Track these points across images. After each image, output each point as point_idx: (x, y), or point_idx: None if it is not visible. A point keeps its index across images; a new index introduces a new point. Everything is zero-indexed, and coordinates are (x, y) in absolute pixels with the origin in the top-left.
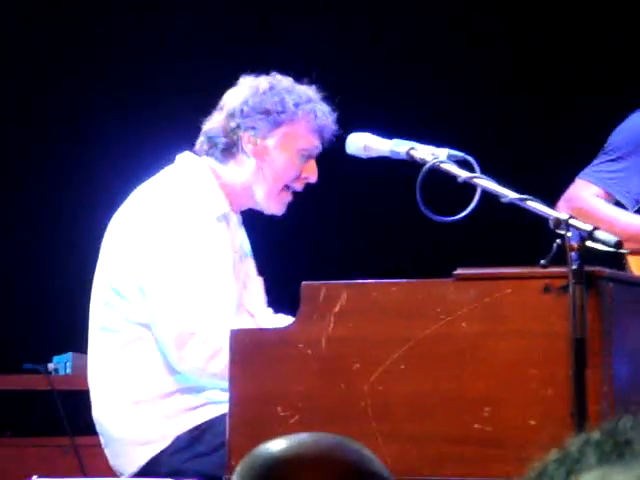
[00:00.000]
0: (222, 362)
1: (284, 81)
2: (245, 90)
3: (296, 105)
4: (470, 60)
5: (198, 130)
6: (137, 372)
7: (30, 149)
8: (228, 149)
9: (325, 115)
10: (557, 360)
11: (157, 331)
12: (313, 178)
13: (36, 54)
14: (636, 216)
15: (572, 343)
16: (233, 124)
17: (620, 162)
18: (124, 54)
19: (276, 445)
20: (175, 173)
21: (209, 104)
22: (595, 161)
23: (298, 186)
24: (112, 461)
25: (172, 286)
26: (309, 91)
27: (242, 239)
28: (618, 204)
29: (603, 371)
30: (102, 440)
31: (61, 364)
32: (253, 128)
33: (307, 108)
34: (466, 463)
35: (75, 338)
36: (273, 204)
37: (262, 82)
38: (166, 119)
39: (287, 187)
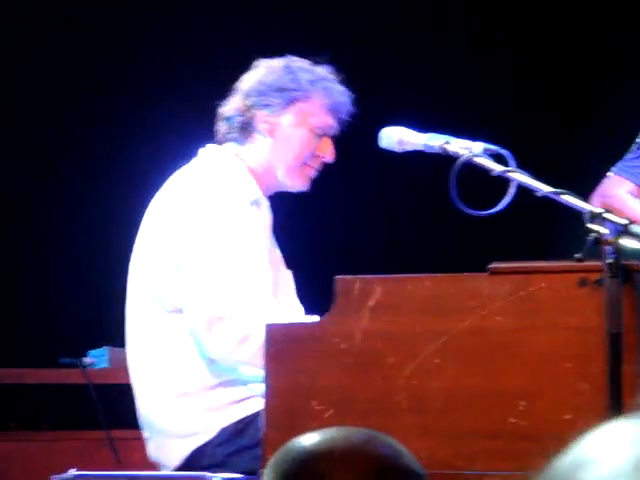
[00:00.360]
0: (251, 349)
1: (299, 62)
2: (260, 70)
3: (311, 82)
4: (502, 54)
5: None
6: (180, 365)
7: (66, 141)
8: (245, 128)
9: (340, 94)
10: (592, 354)
11: (188, 313)
12: (329, 157)
13: (69, 48)
14: None
15: (607, 337)
16: (248, 102)
17: None
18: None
19: (308, 439)
20: (205, 162)
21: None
22: (628, 156)
23: (315, 165)
24: (154, 454)
25: (205, 269)
26: (324, 71)
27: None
28: None
29: (639, 364)
30: (145, 433)
31: (97, 358)
32: (267, 106)
33: (321, 86)
34: (501, 457)
35: (110, 332)
36: (296, 179)
37: (277, 62)
38: (188, 111)
39: (306, 164)
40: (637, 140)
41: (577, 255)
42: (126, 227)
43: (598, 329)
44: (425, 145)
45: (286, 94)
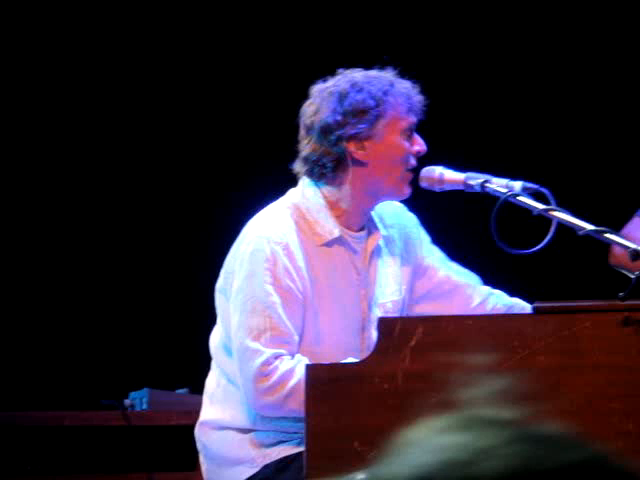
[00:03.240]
0: (298, 400)
1: (357, 75)
2: (325, 99)
3: (385, 93)
4: (536, 91)
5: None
6: (236, 401)
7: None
8: (338, 167)
9: (410, 90)
10: (638, 394)
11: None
12: (423, 148)
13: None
14: None
15: None
16: (332, 138)
17: None
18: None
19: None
20: (272, 207)
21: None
22: None
23: (415, 162)
24: (205, 476)
25: (242, 322)
26: (385, 74)
27: (373, 245)
28: None
29: None
30: (200, 457)
31: (137, 400)
32: (356, 134)
33: (394, 91)
34: None
35: (151, 374)
36: (405, 188)
37: (340, 84)
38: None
39: (409, 169)
40: None
41: (621, 294)
42: (177, 272)
43: None
44: (465, 184)
45: (368, 114)
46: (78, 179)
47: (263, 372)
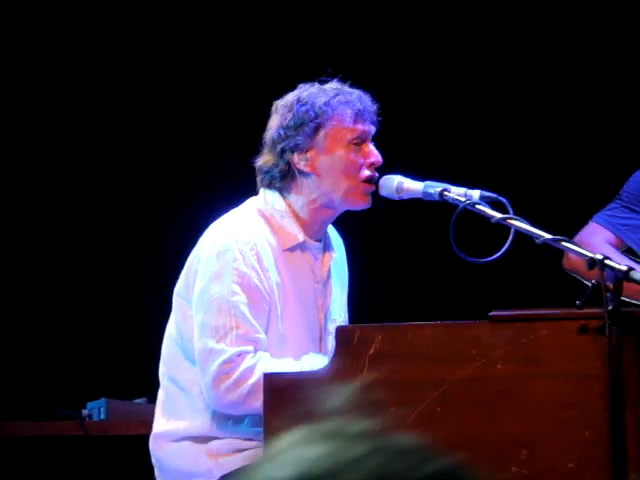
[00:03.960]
0: (258, 399)
1: (310, 88)
2: (277, 114)
3: (326, 104)
4: (496, 100)
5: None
6: (191, 411)
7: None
8: (285, 176)
9: (358, 98)
10: (595, 402)
11: (198, 367)
12: (374, 158)
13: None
14: None
15: (609, 384)
16: (278, 150)
17: (634, 211)
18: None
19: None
20: (235, 211)
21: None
22: (610, 205)
23: (369, 173)
24: None
25: (206, 323)
26: (334, 85)
27: (328, 262)
28: (629, 251)
29: None
30: (156, 471)
31: (95, 409)
32: (296, 146)
33: (336, 101)
34: None
35: (109, 383)
36: (357, 199)
37: (288, 99)
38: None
39: (363, 181)
40: (620, 191)
41: (578, 302)
42: (131, 280)
43: (600, 376)
44: (423, 193)
45: (307, 127)
46: (23, 188)
47: (224, 370)
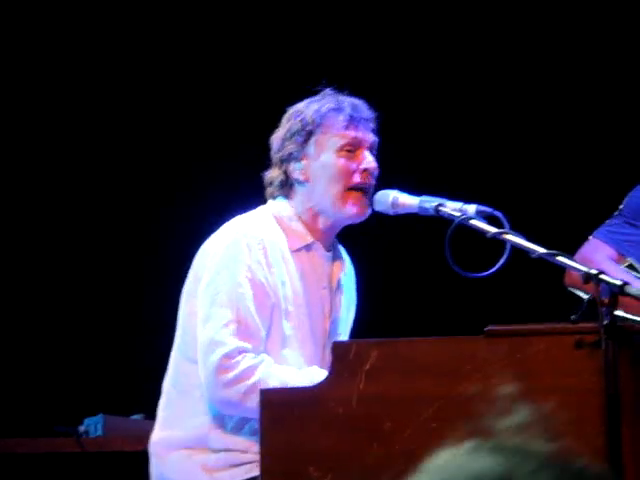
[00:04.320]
0: (256, 399)
1: (310, 99)
2: (281, 126)
3: (316, 112)
4: (494, 116)
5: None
6: (189, 422)
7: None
8: (284, 185)
9: (350, 105)
10: (591, 416)
11: (199, 365)
12: (367, 164)
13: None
14: None
15: (606, 399)
16: (278, 162)
17: (634, 226)
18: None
19: None
20: (244, 216)
21: None
22: (610, 221)
23: (360, 179)
24: None
25: (210, 320)
26: (327, 93)
27: (338, 273)
28: (630, 267)
29: (638, 427)
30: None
31: (92, 426)
32: (290, 155)
33: (325, 109)
34: None
35: (106, 399)
36: (348, 207)
37: (289, 112)
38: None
39: (352, 188)
40: (620, 207)
41: (573, 317)
42: (130, 296)
43: (596, 391)
44: (419, 207)
45: (299, 135)
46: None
47: (224, 364)
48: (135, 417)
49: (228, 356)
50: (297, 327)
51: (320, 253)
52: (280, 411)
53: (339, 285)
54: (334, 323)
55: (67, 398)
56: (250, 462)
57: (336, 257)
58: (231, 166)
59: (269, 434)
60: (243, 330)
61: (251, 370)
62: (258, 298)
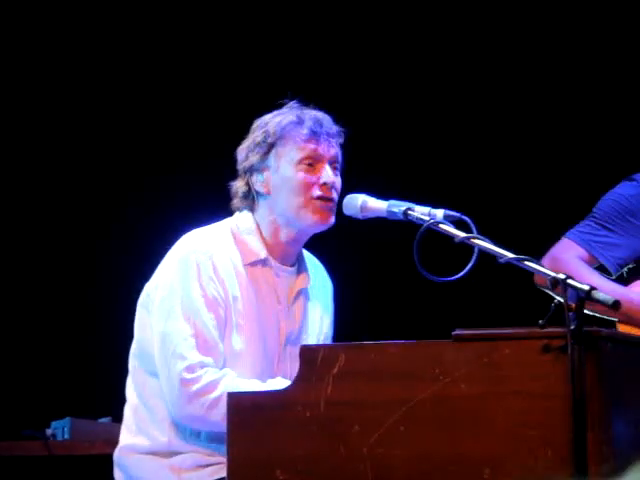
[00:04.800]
0: (220, 413)
1: (270, 113)
2: (245, 140)
3: (278, 124)
4: (457, 123)
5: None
6: (153, 425)
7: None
8: (247, 197)
9: (311, 118)
10: (557, 421)
11: (160, 379)
12: (326, 178)
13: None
14: (618, 285)
15: (572, 404)
16: (241, 173)
17: (606, 229)
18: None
19: None
20: (201, 230)
21: None
22: (583, 223)
23: (320, 192)
24: None
25: (165, 333)
26: (291, 106)
27: (301, 285)
28: (601, 268)
29: (603, 432)
30: None
31: (59, 429)
32: (251, 166)
33: (288, 121)
34: None
35: (73, 403)
36: (310, 216)
37: (254, 124)
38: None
39: (314, 198)
40: (594, 209)
41: (540, 322)
42: (95, 299)
43: (563, 395)
44: (387, 212)
45: (261, 147)
46: None
47: (186, 379)
48: (103, 420)
49: (188, 370)
50: (247, 341)
51: (276, 270)
52: (248, 415)
53: (299, 296)
54: (288, 337)
55: (34, 401)
56: (217, 464)
57: (301, 270)
58: (199, 177)
59: (237, 437)
60: (202, 344)
61: (214, 384)
62: (212, 312)
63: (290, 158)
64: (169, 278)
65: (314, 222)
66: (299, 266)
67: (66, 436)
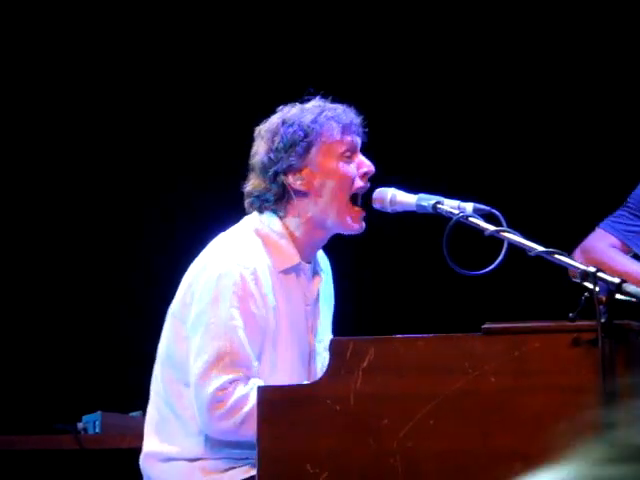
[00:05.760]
0: (252, 427)
1: (292, 109)
2: (261, 139)
3: (313, 121)
4: (491, 113)
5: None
6: (183, 432)
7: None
8: (281, 199)
9: (343, 112)
10: (588, 414)
11: (193, 392)
12: (368, 169)
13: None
14: None
15: (602, 397)
16: (270, 175)
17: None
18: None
19: None
20: (234, 232)
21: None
22: (616, 212)
23: (362, 184)
24: None
25: (201, 347)
26: (316, 102)
27: (318, 284)
28: (635, 257)
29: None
30: None
31: (90, 423)
32: (290, 166)
33: (323, 117)
34: None
35: (104, 397)
36: (350, 219)
37: (273, 122)
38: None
39: (354, 197)
40: (627, 200)
41: (570, 315)
42: (116, 293)
43: (593, 389)
44: (417, 205)
45: (299, 145)
46: None
47: (218, 398)
48: (133, 414)
49: (220, 388)
50: (284, 350)
51: (304, 271)
52: (277, 409)
53: (318, 296)
54: (316, 335)
55: (66, 395)
56: (250, 463)
57: (315, 268)
58: (221, 177)
59: (266, 431)
60: (236, 361)
61: (244, 399)
62: (250, 329)
63: (332, 153)
64: (209, 292)
65: (348, 228)
66: (314, 266)
67: (97, 430)
